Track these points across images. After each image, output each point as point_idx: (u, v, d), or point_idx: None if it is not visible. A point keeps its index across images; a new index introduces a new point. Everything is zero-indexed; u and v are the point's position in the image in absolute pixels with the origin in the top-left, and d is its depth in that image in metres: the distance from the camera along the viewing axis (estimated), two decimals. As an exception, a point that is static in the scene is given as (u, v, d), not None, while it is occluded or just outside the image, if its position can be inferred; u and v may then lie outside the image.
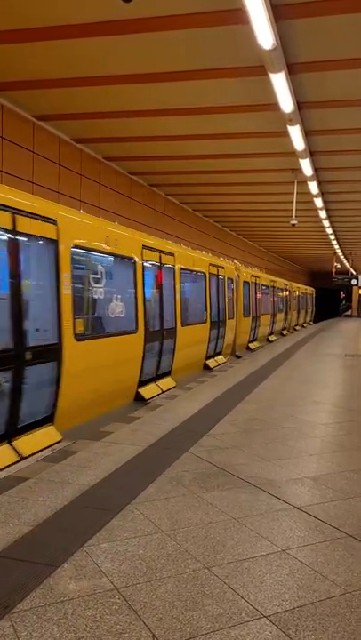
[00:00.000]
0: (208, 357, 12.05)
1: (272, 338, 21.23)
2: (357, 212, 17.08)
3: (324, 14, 5.62)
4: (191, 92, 7.94)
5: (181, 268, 10.24)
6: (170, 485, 4.25)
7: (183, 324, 10.15)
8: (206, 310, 11.55)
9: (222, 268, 13.49)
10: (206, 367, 11.90)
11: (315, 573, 2.97)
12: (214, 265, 12.79)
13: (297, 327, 29.53)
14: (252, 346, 17.55)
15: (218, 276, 12.90)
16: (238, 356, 14.77)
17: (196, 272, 11.49)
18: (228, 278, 14.13)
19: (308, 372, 11.32)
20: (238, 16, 5.30)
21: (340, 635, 2.44)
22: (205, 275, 11.82)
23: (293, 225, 13.50)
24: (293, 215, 13.32)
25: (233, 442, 5.60)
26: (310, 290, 36.80)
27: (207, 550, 3.21)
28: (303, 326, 31.67)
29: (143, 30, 6.05)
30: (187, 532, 3.45)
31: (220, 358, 12.86)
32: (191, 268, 11.04)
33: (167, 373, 9.55)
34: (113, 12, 5.66)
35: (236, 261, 18.89)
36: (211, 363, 12.13)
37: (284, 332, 25.02)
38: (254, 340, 18.28)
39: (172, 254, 9.68)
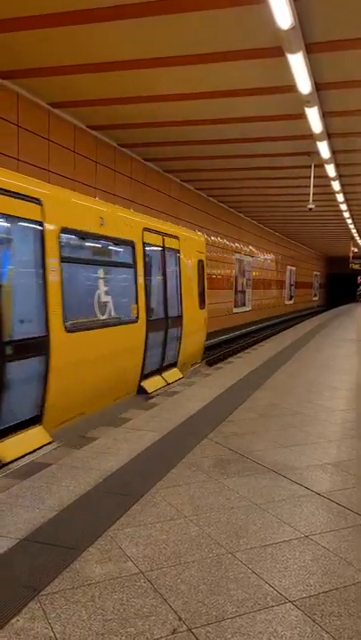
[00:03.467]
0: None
1: None
2: (375, 196, 16.80)
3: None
4: (207, 76, 7.82)
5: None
6: (190, 471, 4.28)
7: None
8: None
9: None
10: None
11: (339, 559, 2.97)
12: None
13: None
14: None
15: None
16: None
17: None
18: None
19: (324, 358, 11.26)
20: (256, -4, 5.19)
21: (365, 619, 2.45)
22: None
23: (310, 209, 13.33)
24: (310, 199, 13.14)
25: (251, 428, 5.61)
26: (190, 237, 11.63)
27: (230, 535, 3.23)
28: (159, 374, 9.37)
29: (158, 13, 5.96)
30: (209, 517, 3.48)
31: None
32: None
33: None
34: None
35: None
36: None
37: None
38: None
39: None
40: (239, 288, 23.24)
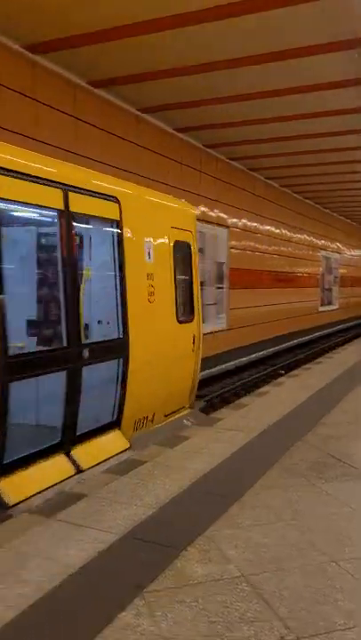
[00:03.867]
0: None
1: None
2: None
3: None
4: (291, 71, 7.66)
5: None
6: (286, 474, 4.18)
7: None
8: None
9: None
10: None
11: None
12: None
13: None
14: None
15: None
16: None
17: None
18: None
19: None
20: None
21: None
22: None
23: None
24: None
25: (348, 431, 5.39)
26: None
27: (332, 543, 3.11)
28: None
29: (244, 13, 5.94)
30: (308, 522, 3.37)
31: None
32: None
33: None
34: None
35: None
36: None
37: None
38: None
39: None
40: (326, 286, 22.60)
